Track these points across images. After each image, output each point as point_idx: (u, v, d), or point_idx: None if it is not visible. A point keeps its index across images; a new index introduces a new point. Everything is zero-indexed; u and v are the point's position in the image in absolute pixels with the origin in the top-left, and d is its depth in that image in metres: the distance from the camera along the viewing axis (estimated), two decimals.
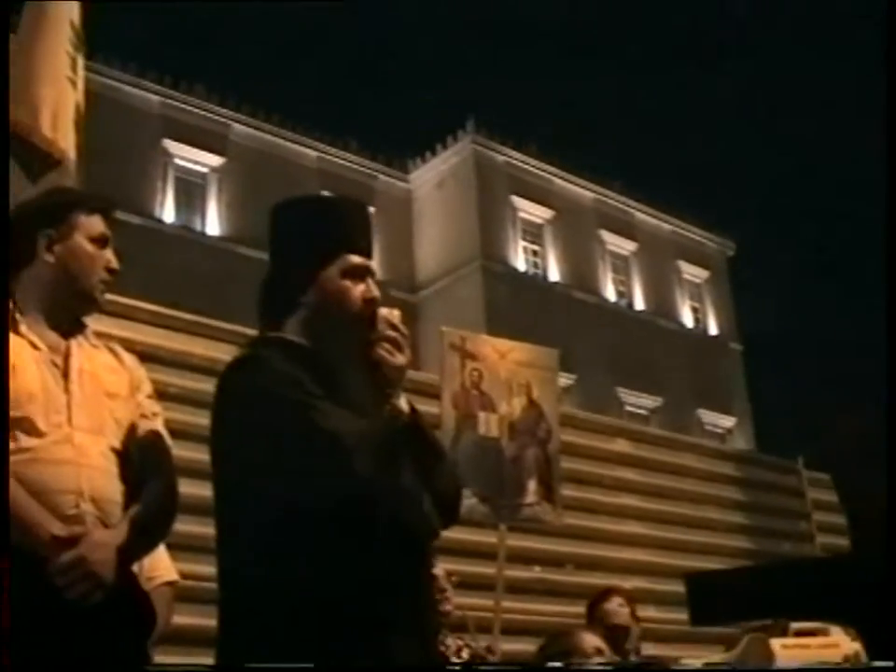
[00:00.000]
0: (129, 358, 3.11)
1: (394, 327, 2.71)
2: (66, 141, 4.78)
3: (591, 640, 4.18)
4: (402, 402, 2.67)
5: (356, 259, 2.77)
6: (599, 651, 4.11)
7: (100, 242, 3.01)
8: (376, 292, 2.77)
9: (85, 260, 2.97)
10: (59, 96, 4.82)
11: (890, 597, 3.41)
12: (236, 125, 36.75)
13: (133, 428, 2.95)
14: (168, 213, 34.64)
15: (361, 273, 2.76)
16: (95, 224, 3.02)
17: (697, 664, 4.22)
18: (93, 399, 2.87)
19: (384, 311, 2.72)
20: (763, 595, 2.66)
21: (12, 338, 2.83)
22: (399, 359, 2.68)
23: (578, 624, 5.06)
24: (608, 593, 5.57)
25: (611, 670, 4.14)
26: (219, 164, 35.99)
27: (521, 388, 6.41)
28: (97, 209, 3.05)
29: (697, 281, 44.83)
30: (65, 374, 2.85)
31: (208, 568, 5.29)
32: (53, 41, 4.90)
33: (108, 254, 3.03)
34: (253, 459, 2.51)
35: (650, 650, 5.59)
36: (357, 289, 2.74)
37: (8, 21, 3.53)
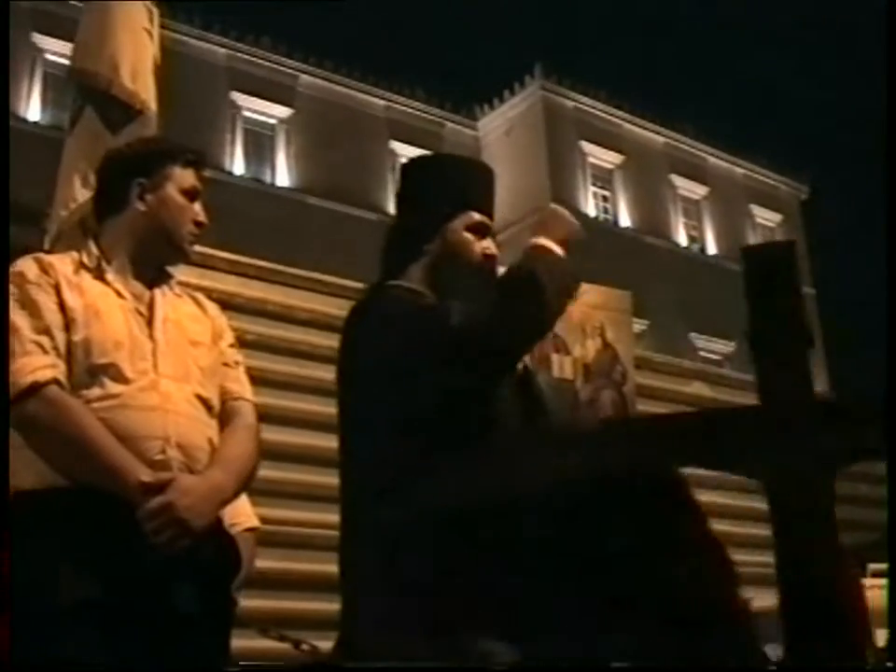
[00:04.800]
0: (211, 307, 3.15)
1: None
2: (147, 92, 4.81)
3: None
4: None
5: (478, 216, 2.94)
6: None
7: (191, 194, 3.04)
8: (496, 251, 2.95)
9: (175, 211, 3.00)
10: (138, 47, 4.84)
11: (890, 598, 3.41)
12: (303, 76, 36.71)
13: (216, 376, 2.98)
14: (238, 165, 34.74)
15: (483, 231, 2.95)
16: (187, 177, 3.05)
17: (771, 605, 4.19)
18: (178, 346, 2.90)
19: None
20: None
21: (98, 286, 2.87)
22: None
23: None
24: None
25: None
26: (287, 116, 36.01)
27: (595, 331, 6.34)
28: (190, 162, 3.08)
29: (770, 225, 44.30)
30: (150, 322, 2.89)
31: (287, 513, 5.38)
32: None
33: (198, 207, 3.06)
34: (389, 395, 2.63)
35: None
36: (480, 244, 2.92)
37: (8, 22, 3.55)
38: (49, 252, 3.86)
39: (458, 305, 2.67)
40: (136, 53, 4.81)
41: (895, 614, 3.35)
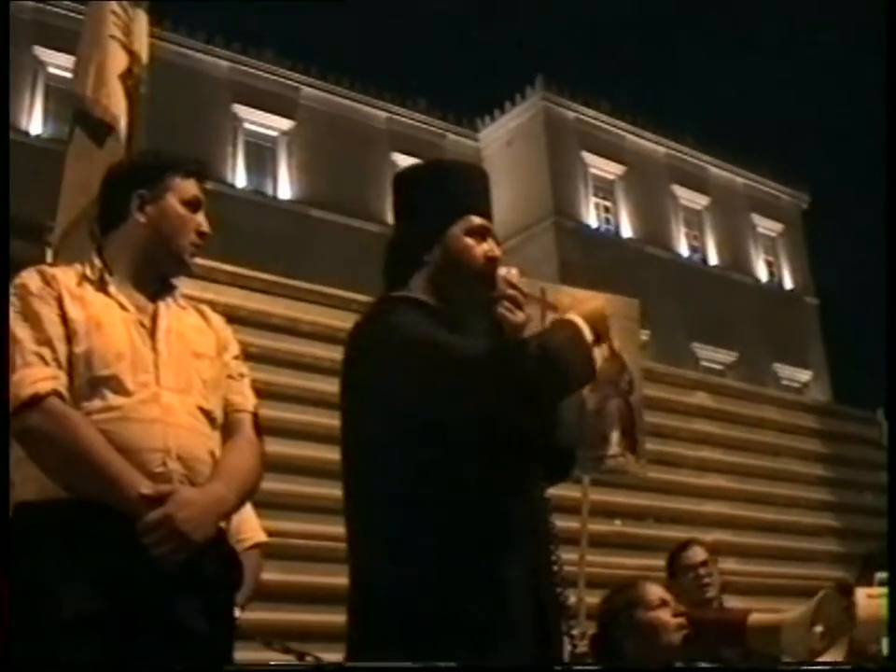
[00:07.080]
0: (216, 319, 3.14)
1: (513, 285, 2.85)
2: (111, 99, 4.82)
3: (656, 591, 4.14)
4: None
5: (478, 219, 2.88)
6: (664, 603, 4.08)
7: (192, 205, 3.03)
8: (498, 252, 2.89)
9: (176, 222, 2.99)
10: (102, 56, 4.88)
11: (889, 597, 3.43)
12: (305, 88, 36.78)
13: (219, 388, 2.97)
14: (239, 177, 34.78)
15: (483, 233, 2.88)
16: (188, 187, 3.04)
17: (775, 617, 4.16)
18: (180, 358, 2.89)
19: (502, 270, 2.85)
20: None
21: (101, 298, 2.86)
22: (519, 316, 2.83)
23: (644, 576, 5.03)
24: (688, 543, 5.55)
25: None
26: (289, 128, 36.06)
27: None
28: (191, 173, 3.07)
29: (771, 234, 44.34)
30: (153, 334, 2.88)
31: (291, 525, 5.37)
32: (98, 4, 4.99)
33: (200, 217, 3.04)
34: (404, 404, 2.59)
35: (731, 602, 5.55)
36: (481, 248, 2.85)
37: (8, 22, 3.54)
38: (52, 261, 3.87)
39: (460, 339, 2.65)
40: (101, 62, 4.85)
41: (895, 614, 3.35)
